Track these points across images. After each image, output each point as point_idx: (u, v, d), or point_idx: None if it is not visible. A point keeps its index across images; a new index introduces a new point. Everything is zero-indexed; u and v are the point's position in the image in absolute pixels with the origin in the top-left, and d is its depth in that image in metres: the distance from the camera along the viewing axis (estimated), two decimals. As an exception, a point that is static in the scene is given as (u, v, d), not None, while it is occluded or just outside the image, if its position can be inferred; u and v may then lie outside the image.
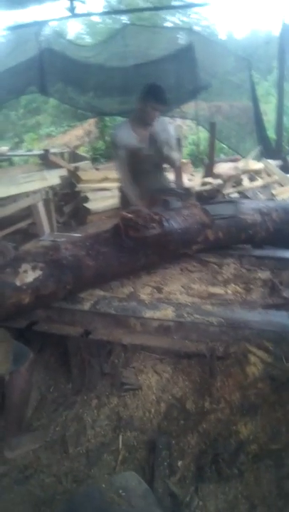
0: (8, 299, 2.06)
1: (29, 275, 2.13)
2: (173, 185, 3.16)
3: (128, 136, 3.15)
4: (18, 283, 2.09)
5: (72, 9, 8.10)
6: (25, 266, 2.15)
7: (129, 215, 2.38)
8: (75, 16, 8.60)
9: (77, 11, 8.27)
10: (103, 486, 1.48)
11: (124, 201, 3.34)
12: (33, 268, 2.16)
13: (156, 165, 3.39)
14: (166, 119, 3.43)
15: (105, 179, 6.74)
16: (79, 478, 2.07)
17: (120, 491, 1.41)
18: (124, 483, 1.47)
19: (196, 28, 12.61)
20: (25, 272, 2.13)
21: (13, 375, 2.06)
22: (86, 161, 8.32)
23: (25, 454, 2.22)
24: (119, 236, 2.41)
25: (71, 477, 2.08)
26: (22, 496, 2.03)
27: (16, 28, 9.48)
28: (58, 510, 1.58)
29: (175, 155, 3.30)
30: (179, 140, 3.48)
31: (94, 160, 10.00)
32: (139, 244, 2.44)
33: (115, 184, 6.81)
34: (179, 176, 3.22)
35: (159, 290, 2.48)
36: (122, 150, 3.16)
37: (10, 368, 2.02)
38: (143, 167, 3.27)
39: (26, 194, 5.47)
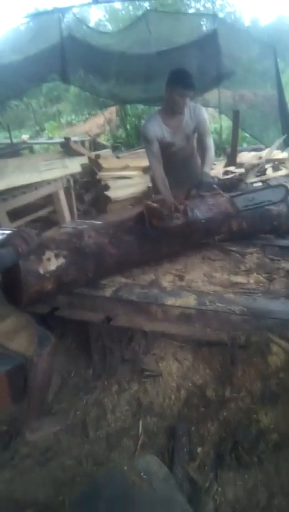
0: (32, 287, 2.09)
1: (52, 263, 2.15)
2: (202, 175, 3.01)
3: (159, 128, 3.04)
4: (41, 271, 2.11)
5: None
6: (48, 253, 2.16)
7: (154, 205, 2.36)
8: (97, 2, 8.57)
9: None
10: (125, 468, 1.49)
11: (157, 190, 3.26)
12: (56, 256, 2.17)
13: (189, 153, 3.30)
14: (197, 104, 3.27)
15: (126, 167, 6.73)
16: (99, 461, 2.09)
17: (142, 474, 1.43)
18: (145, 466, 1.48)
19: (220, 14, 12.41)
20: (49, 259, 2.14)
21: (36, 358, 2.09)
22: (107, 149, 8.33)
23: (46, 436, 2.26)
24: (142, 225, 2.40)
25: (91, 460, 2.11)
26: (43, 476, 2.07)
27: (37, 15, 9.49)
28: (80, 491, 1.60)
29: (208, 141, 3.15)
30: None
31: (114, 148, 10.00)
32: (162, 233, 2.43)
33: (136, 172, 6.83)
34: (207, 165, 3.05)
35: (181, 278, 2.47)
36: (155, 143, 3.05)
37: (36, 350, 2.05)
38: (175, 158, 3.19)
39: (47, 182, 5.50)
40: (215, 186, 2.79)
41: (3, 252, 1.81)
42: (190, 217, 2.43)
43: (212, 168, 3.25)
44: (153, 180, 3.39)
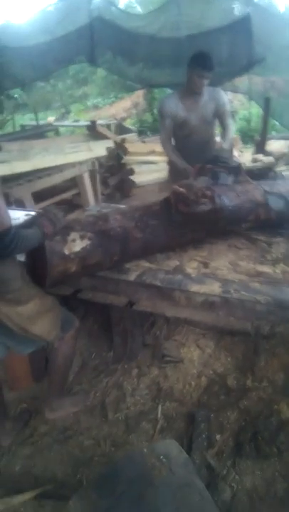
0: (56, 267, 2.08)
1: (77, 244, 2.14)
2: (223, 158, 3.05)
3: (175, 105, 3.14)
4: (66, 251, 2.10)
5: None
6: (74, 235, 2.15)
7: (181, 189, 2.33)
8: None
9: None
10: (145, 451, 1.50)
11: (173, 174, 3.30)
12: (82, 237, 2.16)
13: (206, 137, 3.33)
14: (217, 88, 3.34)
15: (152, 152, 6.67)
16: (117, 443, 2.12)
17: (161, 457, 1.43)
18: (165, 450, 1.49)
19: (253, -2, 12.06)
20: (74, 240, 2.13)
21: (57, 343, 2.10)
22: (132, 134, 8.26)
23: (66, 416, 2.29)
24: (168, 210, 2.37)
25: (110, 441, 2.13)
26: (62, 455, 2.11)
27: (67, -3, 9.39)
28: (100, 471, 1.62)
29: (228, 121, 3.26)
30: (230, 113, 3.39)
31: (140, 132, 9.91)
32: (188, 219, 2.39)
33: (161, 158, 6.75)
34: (227, 142, 3.21)
35: (206, 265, 2.44)
36: (168, 119, 3.17)
37: (58, 335, 2.06)
38: (192, 141, 3.21)
39: (72, 164, 5.49)
40: (238, 166, 2.81)
41: (30, 233, 1.80)
42: (217, 203, 2.39)
43: (232, 146, 3.34)
44: (171, 168, 3.42)
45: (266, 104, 7.00)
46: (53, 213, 1.98)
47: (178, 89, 3.29)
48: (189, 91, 3.12)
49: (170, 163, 3.47)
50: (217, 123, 3.44)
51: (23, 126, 10.84)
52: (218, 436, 2.00)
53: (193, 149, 3.24)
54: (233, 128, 3.32)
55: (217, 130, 3.70)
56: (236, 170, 2.77)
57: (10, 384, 2.51)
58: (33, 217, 1.96)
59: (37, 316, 1.98)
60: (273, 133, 9.33)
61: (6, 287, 1.83)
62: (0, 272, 1.80)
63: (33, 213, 2.32)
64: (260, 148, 6.50)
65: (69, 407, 2.33)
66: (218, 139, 3.71)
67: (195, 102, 3.14)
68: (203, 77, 2.99)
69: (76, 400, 2.39)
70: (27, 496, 1.86)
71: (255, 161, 6.08)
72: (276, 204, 2.59)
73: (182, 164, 3.19)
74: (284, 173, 5.64)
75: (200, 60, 2.98)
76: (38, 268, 2.09)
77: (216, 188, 2.50)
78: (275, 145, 6.70)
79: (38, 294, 2.02)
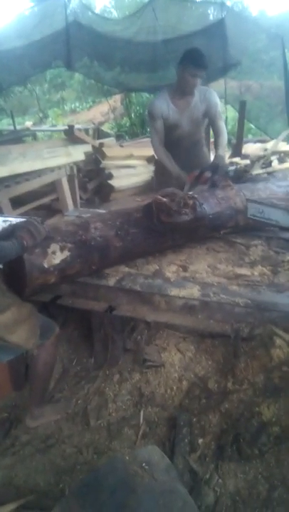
0: (35, 280, 2.06)
1: (57, 256, 2.10)
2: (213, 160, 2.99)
3: (166, 106, 3.00)
4: (46, 265, 2.07)
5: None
6: (54, 246, 2.11)
7: (164, 200, 2.32)
8: (104, -12, 8.42)
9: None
10: (127, 458, 1.49)
11: (160, 176, 3.22)
12: (62, 249, 2.13)
13: (196, 139, 3.26)
14: (209, 88, 3.24)
15: (130, 156, 6.69)
16: (100, 450, 2.10)
17: (144, 464, 1.43)
18: (147, 456, 1.48)
19: (227, 3, 12.22)
20: (54, 252, 2.10)
21: (36, 351, 2.07)
22: (110, 138, 8.27)
23: (47, 424, 2.27)
24: (150, 219, 2.36)
25: (92, 449, 2.11)
26: (44, 464, 2.08)
27: (42, 1, 9.34)
28: (81, 479, 1.60)
29: (221, 124, 3.12)
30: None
31: (118, 137, 9.92)
32: (169, 228, 2.39)
33: (140, 162, 6.78)
34: (222, 148, 3.03)
35: (185, 269, 2.45)
36: (159, 121, 3.03)
37: (36, 342, 2.03)
38: (182, 143, 3.15)
39: (51, 169, 5.46)
40: (229, 173, 2.79)
41: (6, 245, 1.77)
42: (198, 212, 2.40)
43: (226, 151, 3.22)
44: (157, 169, 3.35)
45: (242, 107, 7.09)
46: (34, 225, 1.94)
47: (167, 89, 3.11)
48: (180, 91, 2.98)
49: (157, 165, 3.35)
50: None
51: (0, 131, 10.72)
52: (200, 440, 1.99)
53: (183, 152, 3.17)
54: (225, 132, 3.14)
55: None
56: (224, 172, 2.76)
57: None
58: (13, 226, 1.92)
59: (14, 325, 1.94)
60: (250, 136, 9.46)
61: None
62: None
63: (12, 220, 2.29)
64: (237, 151, 6.59)
65: (50, 414, 2.30)
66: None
67: (186, 103, 3.01)
68: (197, 75, 2.84)
69: (57, 407, 2.36)
70: (8, 507, 1.82)
71: (232, 164, 6.15)
72: (256, 212, 2.61)
73: (176, 171, 3.06)
74: (262, 176, 5.72)
75: (193, 58, 2.81)
76: (16, 277, 2.06)
77: (198, 195, 2.50)
78: (251, 148, 6.80)
79: (15, 302, 1.98)
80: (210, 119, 3.15)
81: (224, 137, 3.09)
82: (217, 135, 3.12)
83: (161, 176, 3.27)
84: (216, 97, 3.13)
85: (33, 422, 2.26)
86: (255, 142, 7.96)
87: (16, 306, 1.96)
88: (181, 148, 3.14)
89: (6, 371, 2.45)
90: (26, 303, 2.06)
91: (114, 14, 15.55)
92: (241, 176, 5.44)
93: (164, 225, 2.34)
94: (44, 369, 2.14)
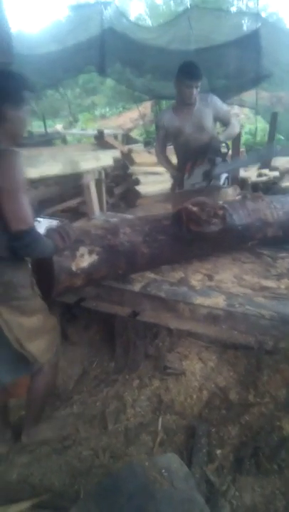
0: (62, 283, 2.08)
1: (85, 260, 2.13)
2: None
3: (169, 117, 3.23)
4: (73, 267, 2.09)
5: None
6: (82, 249, 2.14)
7: (194, 209, 2.33)
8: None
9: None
10: (146, 464, 1.49)
11: (175, 186, 3.36)
12: (90, 252, 2.16)
13: (204, 141, 3.31)
14: (210, 94, 3.36)
15: (158, 163, 6.69)
16: (116, 454, 2.09)
17: (163, 471, 1.42)
18: (166, 463, 1.47)
19: (262, 14, 12.18)
20: (82, 255, 2.12)
21: (36, 374, 2.03)
22: (139, 144, 8.31)
23: (42, 441, 2.23)
24: (179, 227, 2.38)
25: (108, 453, 2.11)
26: (60, 464, 2.08)
27: (79, 8, 9.52)
28: (100, 482, 1.61)
29: (232, 120, 3.31)
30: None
31: (146, 143, 9.95)
32: (197, 237, 2.40)
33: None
34: (225, 134, 3.27)
35: (210, 278, 2.45)
36: (162, 131, 3.32)
37: (51, 359, 2.00)
38: (190, 145, 3.25)
39: (79, 173, 5.52)
40: (224, 149, 3.02)
41: (48, 241, 1.80)
42: (228, 223, 2.40)
43: (229, 139, 3.39)
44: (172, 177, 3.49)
45: (273, 119, 7.04)
46: (65, 229, 1.96)
47: (173, 103, 3.40)
48: (180, 102, 3.15)
49: (173, 176, 3.53)
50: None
51: (31, 133, 10.92)
52: (218, 451, 1.97)
53: (193, 154, 3.25)
54: (236, 125, 3.35)
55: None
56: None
57: (10, 391, 2.50)
58: (47, 229, 1.95)
59: (36, 333, 1.92)
60: (279, 147, 9.37)
61: (15, 293, 1.81)
62: (12, 275, 1.79)
63: (54, 222, 2.33)
64: (266, 162, 6.54)
65: (46, 433, 2.25)
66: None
67: (188, 111, 3.16)
68: (192, 86, 2.99)
69: (53, 426, 2.31)
70: (23, 505, 1.83)
71: (260, 175, 6.11)
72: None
73: (173, 172, 3.44)
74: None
75: (186, 71, 2.99)
76: (43, 278, 2.09)
77: (228, 205, 2.51)
78: (280, 160, 6.73)
79: (44, 311, 1.98)
80: (221, 121, 3.34)
81: (231, 128, 3.27)
82: (226, 127, 3.31)
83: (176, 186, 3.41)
84: (218, 100, 3.30)
85: (28, 440, 2.21)
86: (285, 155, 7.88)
87: (43, 315, 1.96)
88: (190, 151, 3.26)
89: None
90: (52, 316, 2.05)
91: (149, 22, 15.69)
92: (270, 188, 5.40)
93: (192, 234, 2.35)
94: (45, 389, 2.12)
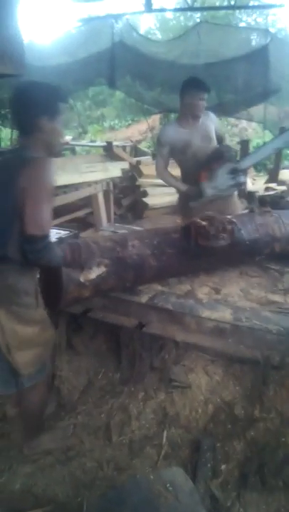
0: (70, 294, 2.10)
1: (93, 271, 2.15)
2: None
3: (174, 131, 3.16)
4: (82, 279, 2.11)
5: (149, 5, 8.13)
6: (91, 261, 2.16)
7: (203, 223, 2.35)
8: (150, 10, 8.62)
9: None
10: (151, 477, 1.48)
11: (182, 198, 3.32)
12: (99, 264, 2.18)
13: (214, 149, 3.35)
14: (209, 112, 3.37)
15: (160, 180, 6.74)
16: (120, 467, 2.08)
17: (168, 485, 1.42)
18: (171, 477, 1.47)
19: (271, 29, 12.30)
20: (90, 267, 2.14)
21: (32, 388, 2.00)
22: (147, 156, 8.37)
23: (44, 452, 2.21)
24: (187, 241, 2.39)
25: (113, 465, 2.10)
26: (63, 475, 2.07)
27: (90, 21, 9.66)
28: (105, 495, 1.60)
29: (224, 137, 3.38)
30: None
31: (155, 155, 10.03)
32: (206, 251, 2.41)
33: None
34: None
35: (217, 291, 2.46)
36: (166, 147, 3.19)
37: (31, 374, 1.94)
38: (197, 159, 3.22)
39: (88, 184, 5.56)
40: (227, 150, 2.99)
41: (58, 252, 1.82)
42: (236, 237, 2.41)
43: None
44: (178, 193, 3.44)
45: (281, 133, 7.05)
46: (78, 246, 1.98)
47: (174, 119, 3.39)
48: (187, 116, 3.13)
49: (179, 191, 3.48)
50: None
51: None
52: (223, 466, 1.96)
53: (203, 163, 3.19)
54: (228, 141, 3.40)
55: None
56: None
57: (12, 400, 2.50)
58: (60, 240, 1.97)
59: (27, 344, 1.87)
60: (286, 162, 9.41)
61: (17, 298, 1.80)
62: (17, 280, 1.78)
63: (63, 232, 2.36)
64: (273, 176, 6.56)
65: (48, 443, 2.23)
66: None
67: (195, 123, 3.16)
68: (201, 98, 3.02)
69: (56, 436, 2.29)
70: (27, 515, 1.83)
71: (267, 189, 6.12)
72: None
73: (183, 187, 3.23)
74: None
75: (199, 84, 3.03)
76: (50, 288, 2.10)
77: (237, 220, 2.52)
78: (288, 174, 6.76)
79: (42, 323, 1.95)
80: (217, 137, 3.32)
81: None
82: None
83: (183, 199, 3.35)
84: (216, 120, 3.35)
85: (29, 451, 2.19)
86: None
87: (39, 327, 1.92)
88: (198, 162, 3.20)
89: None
90: (50, 329, 2.02)
91: (158, 36, 15.88)
92: (278, 202, 5.40)
93: (200, 248, 2.36)
94: (38, 407, 2.11)
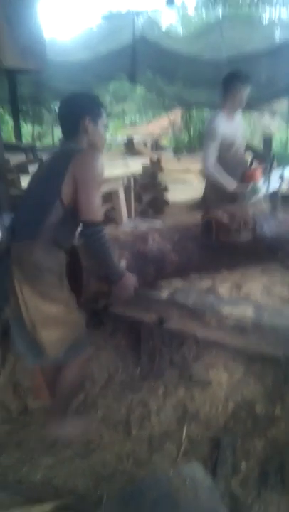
0: (91, 288, 2.11)
1: None
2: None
3: (225, 125, 3.03)
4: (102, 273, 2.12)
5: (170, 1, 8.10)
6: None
7: (224, 218, 2.34)
8: (171, 3, 8.57)
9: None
10: (171, 473, 1.48)
11: (213, 192, 3.20)
12: (119, 257, 2.18)
13: (243, 155, 3.34)
14: None
15: (187, 171, 6.70)
16: (140, 461, 2.09)
17: (187, 481, 1.41)
18: (191, 473, 1.46)
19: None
20: None
21: (69, 364, 2.04)
22: (168, 152, 8.33)
23: (64, 437, 2.23)
24: (208, 236, 2.38)
25: (132, 459, 2.10)
26: (83, 468, 2.09)
27: (111, 17, 9.65)
28: (124, 489, 1.61)
29: None
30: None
31: (176, 151, 9.97)
32: (227, 247, 2.40)
33: (196, 176, 6.77)
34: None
35: (239, 288, 2.43)
36: (217, 141, 3.00)
37: (59, 355, 1.96)
38: (237, 157, 3.19)
39: (108, 179, 5.57)
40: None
41: (111, 248, 1.94)
42: (257, 233, 2.39)
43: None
44: (208, 186, 3.31)
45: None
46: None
47: (221, 108, 3.11)
48: (233, 109, 3.08)
49: (208, 182, 3.33)
50: None
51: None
52: (243, 464, 1.95)
53: (238, 167, 3.16)
54: None
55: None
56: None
57: (34, 392, 2.53)
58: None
59: (53, 322, 1.90)
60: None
61: (40, 276, 1.84)
62: (42, 257, 1.84)
63: None
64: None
65: (69, 430, 2.24)
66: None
67: (236, 119, 3.15)
68: (247, 90, 3.03)
69: (76, 428, 2.28)
70: (47, 507, 1.84)
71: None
72: None
73: (234, 185, 2.95)
74: None
75: (246, 76, 3.04)
76: (72, 282, 2.10)
77: (259, 216, 2.50)
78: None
79: (68, 304, 1.97)
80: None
81: None
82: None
83: (213, 193, 3.21)
84: None
85: (53, 431, 2.22)
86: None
87: (65, 307, 1.94)
88: (236, 163, 3.13)
89: (39, 375, 2.42)
90: (77, 312, 2.03)
91: (180, 31, 15.75)
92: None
93: (222, 244, 2.34)
94: (68, 386, 2.12)
